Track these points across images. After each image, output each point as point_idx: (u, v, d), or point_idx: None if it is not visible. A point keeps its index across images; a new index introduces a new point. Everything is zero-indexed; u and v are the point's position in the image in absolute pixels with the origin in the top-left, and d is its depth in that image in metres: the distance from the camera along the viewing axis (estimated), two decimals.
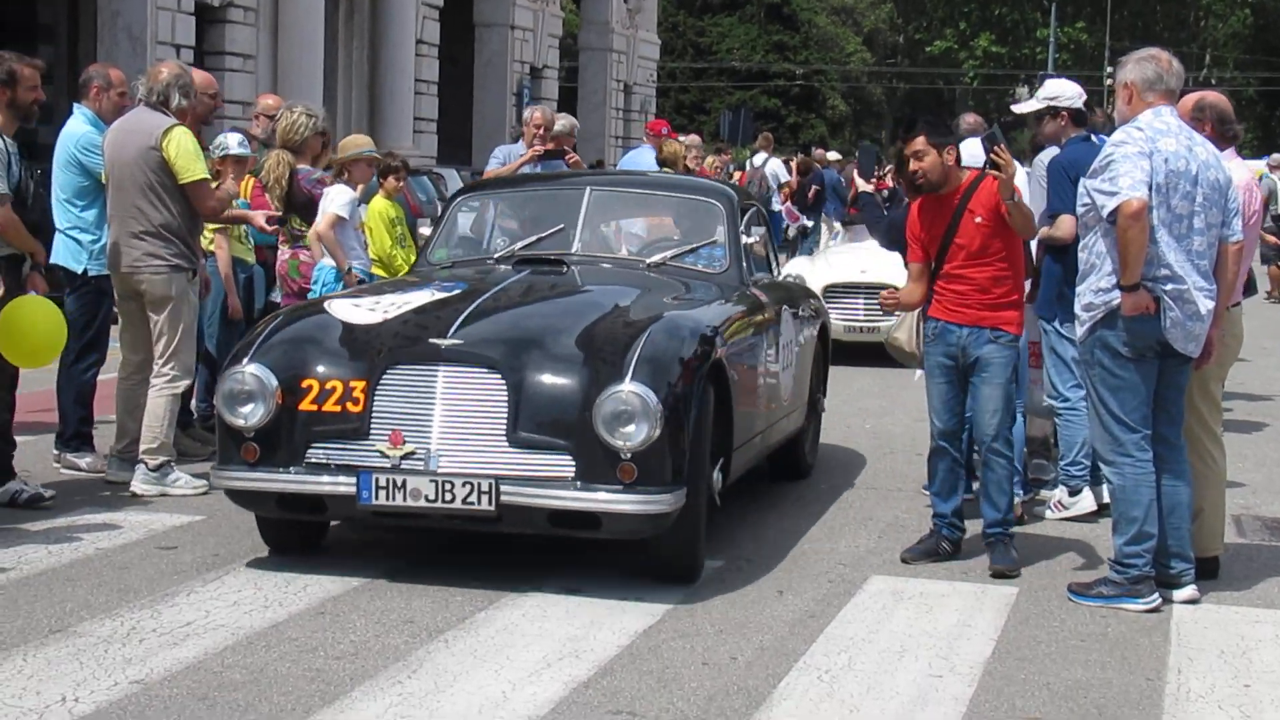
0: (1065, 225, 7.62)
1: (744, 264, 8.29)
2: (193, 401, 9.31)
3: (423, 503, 6.17)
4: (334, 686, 5.21)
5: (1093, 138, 8.03)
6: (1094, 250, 6.47)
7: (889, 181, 21.19)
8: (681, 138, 18.59)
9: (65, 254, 8.41)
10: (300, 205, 9.73)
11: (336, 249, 9.30)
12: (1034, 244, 7.90)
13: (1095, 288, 6.44)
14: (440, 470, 6.19)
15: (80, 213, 8.44)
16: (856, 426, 11.09)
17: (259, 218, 9.21)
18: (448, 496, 6.15)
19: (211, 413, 9.60)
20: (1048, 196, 8.04)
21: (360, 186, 9.95)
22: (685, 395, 6.34)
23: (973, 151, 7.61)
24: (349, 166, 9.83)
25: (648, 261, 8.09)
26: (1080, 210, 6.61)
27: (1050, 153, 8.30)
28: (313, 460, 6.35)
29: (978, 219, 6.95)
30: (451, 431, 6.27)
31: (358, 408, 6.30)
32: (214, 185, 8.45)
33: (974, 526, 7.27)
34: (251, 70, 26.24)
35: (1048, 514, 8.23)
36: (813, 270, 14.41)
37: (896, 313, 8.15)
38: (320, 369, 6.48)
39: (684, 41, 55.50)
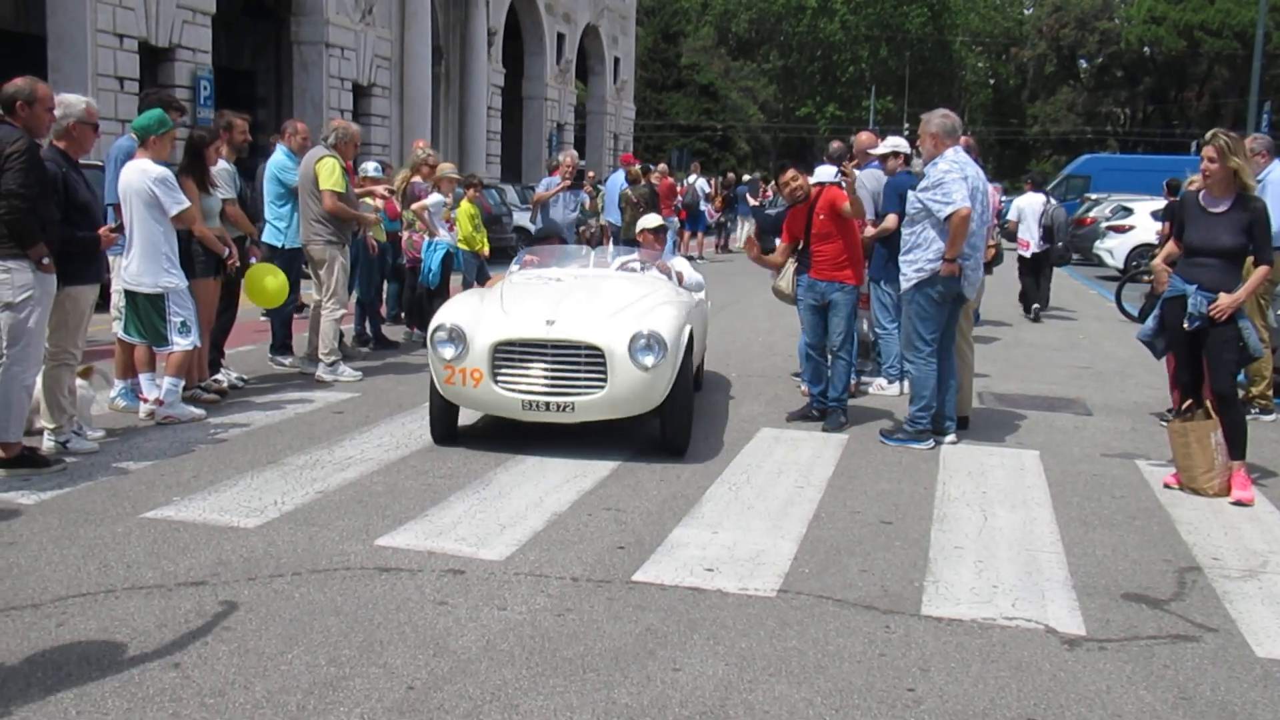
0: (890, 222, 7.58)
1: None
2: (351, 325, 9.23)
3: None
4: (438, 494, 5.18)
5: (911, 169, 7.90)
6: (920, 235, 6.38)
7: (769, 193, 21.33)
8: (655, 167, 18.96)
9: (271, 235, 8.28)
10: (411, 201, 10.07)
11: (430, 221, 9.71)
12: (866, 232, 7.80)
13: (925, 259, 6.34)
14: None
15: (280, 208, 8.30)
16: (752, 339, 11.03)
17: (381, 189, 9.35)
18: None
19: (362, 330, 9.65)
20: (881, 203, 7.94)
21: (450, 195, 10.23)
22: None
23: (826, 171, 7.62)
24: (440, 182, 10.17)
25: None
26: (911, 211, 6.47)
27: (869, 173, 8.20)
28: None
29: (821, 217, 6.92)
30: None
31: None
32: (344, 193, 8.07)
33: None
34: (386, 126, 25.96)
35: (870, 390, 8.22)
36: (481, 317, 5.99)
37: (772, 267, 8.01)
38: None
39: (650, 108, 54.65)
